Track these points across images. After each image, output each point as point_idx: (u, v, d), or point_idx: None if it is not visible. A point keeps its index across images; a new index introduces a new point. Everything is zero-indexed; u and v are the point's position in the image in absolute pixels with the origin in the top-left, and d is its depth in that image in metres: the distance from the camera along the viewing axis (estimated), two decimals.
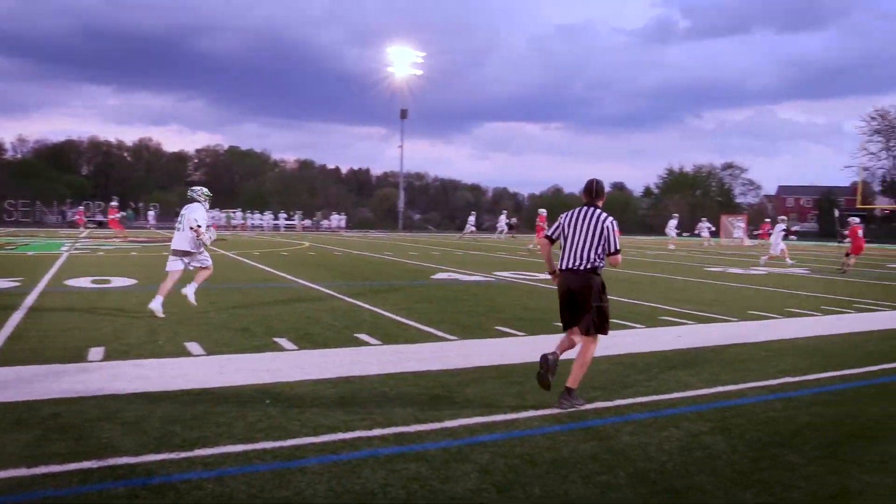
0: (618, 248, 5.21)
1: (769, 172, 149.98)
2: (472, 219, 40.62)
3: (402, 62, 59.74)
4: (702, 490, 3.70)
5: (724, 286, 14.22)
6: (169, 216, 45.04)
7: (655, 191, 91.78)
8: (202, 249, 8.93)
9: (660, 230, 46.23)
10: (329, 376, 5.72)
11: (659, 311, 10.05)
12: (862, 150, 69.64)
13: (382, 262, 18.91)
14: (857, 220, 23.69)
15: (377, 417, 4.69)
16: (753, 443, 4.44)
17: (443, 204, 79.33)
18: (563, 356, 5.40)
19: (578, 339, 5.27)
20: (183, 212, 8.90)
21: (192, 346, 6.70)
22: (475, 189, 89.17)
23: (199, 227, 8.66)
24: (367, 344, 7.10)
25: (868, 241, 24.34)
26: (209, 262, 9.01)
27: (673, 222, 37.20)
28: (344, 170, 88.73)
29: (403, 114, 62.09)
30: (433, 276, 14.78)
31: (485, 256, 23.17)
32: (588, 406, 5.12)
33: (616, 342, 7.63)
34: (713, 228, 39.26)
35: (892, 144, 76.20)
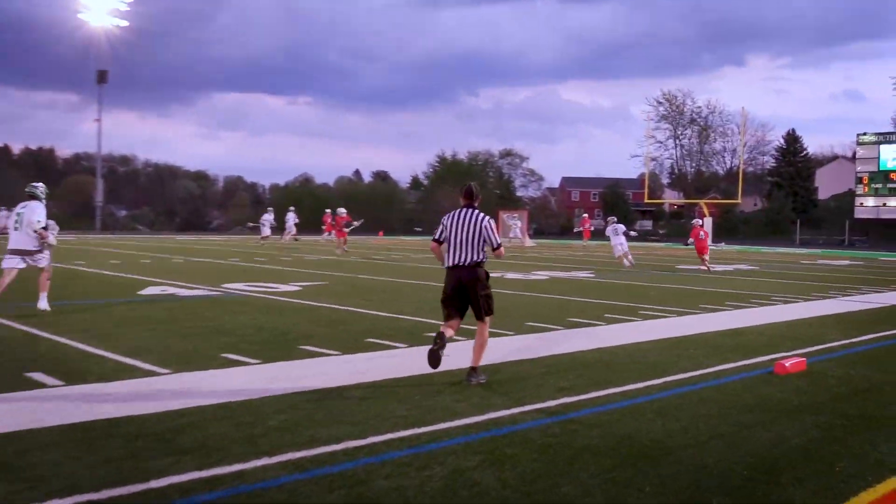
0: (499, 242, 7.46)
1: (552, 161, 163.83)
2: (291, 215, 40.83)
3: (98, 7, 55.75)
4: None
5: (501, 294, 15.27)
6: None
7: (425, 182, 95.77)
8: (44, 249, 10.41)
9: (428, 230, 48.39)
10: None
11: (423, 327, 10.51)
12: (649, 138, 78.28)
13: (71, 274, 18.25)
14: (699, 221, 27.66)
15: (55, 484, 4.37)
16: (527, 475, 4.77)
17: (158, 196, 75.57)
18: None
19: (453, 332, 7.32)
20: (20, 210, 10.13)
21: None
22: (201, 178, 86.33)
23: (43, 228, 10.07)
24: (42, 386, 6.68)
25: (656, 241, 27.66)
26: (48, 263, 10.49)
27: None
28: (16, 149, 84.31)
29: (101, 77, 58.11)
30: (141, 292, 14.58)
31: (217, 266, 22.67)
32: (336, 447, 5.19)
33: (374, 364, 7.81)
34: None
35: (679, 132, 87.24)
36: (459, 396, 6.69)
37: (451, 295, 7.31)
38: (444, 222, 7.45)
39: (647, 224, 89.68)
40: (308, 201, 58.62)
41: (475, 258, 7.30)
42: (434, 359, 7.06)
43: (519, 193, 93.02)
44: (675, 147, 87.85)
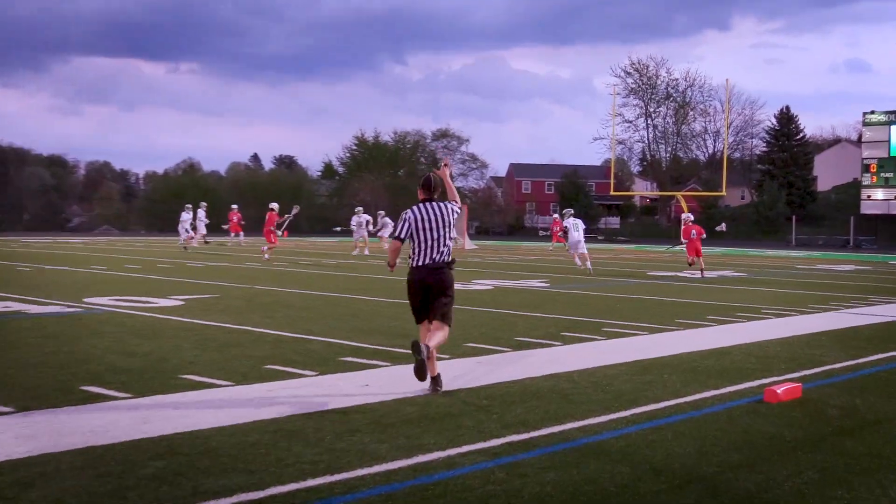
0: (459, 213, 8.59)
1: (499, 144, 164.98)
2: (201, 213, 41.36)
3: None
4: None
5: None
6: None
7: (340, 169, 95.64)
8: None
9: (343, 225, 48.43)
10: None
11: (337, 350, 10.57)
12: (616, 117, 79.01)
13: None
14: (689, 217, 27.69)
15: None
16: None
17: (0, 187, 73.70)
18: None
19: (432, 326, 8.32)
20: None
21: None
22: (57, 164, 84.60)
23: None
24: None
25: (625, 241, 28.22)
26: None
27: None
28: None
29: None
30: None
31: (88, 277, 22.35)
32: (227, 501, 5.13)
33: (276, 397, 7.77)
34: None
35: (652, 110, 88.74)
36: (382, 436, 6.67)
37: (417, 298, 8.39)
38: (409, 219, 8.37)
39: (616, 220, 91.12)
40: (193, 194, 57.92)
41: (446, 258, 8.38)
42: (423, 370, 7.83)
43: (457, 184, 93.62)
44: (647, 128, 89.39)
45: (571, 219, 29.41)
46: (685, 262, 27.02)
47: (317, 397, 7.95)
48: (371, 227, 39.28)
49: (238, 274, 23.70)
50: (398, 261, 8.82)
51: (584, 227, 29.06)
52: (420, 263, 8.32)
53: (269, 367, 9.36)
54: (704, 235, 26.82)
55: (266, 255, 31.23)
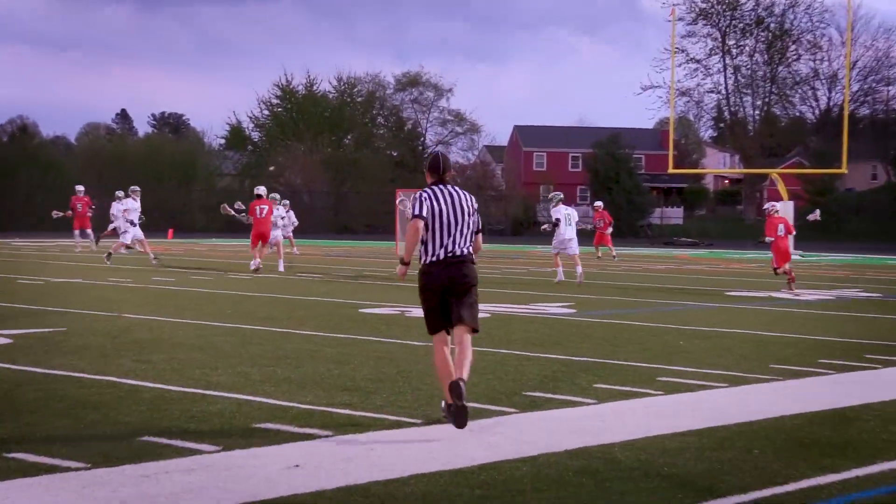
0: (479, 227, 10.34)
1: (498, 98, 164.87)
2: (130, 202, 40.53)
3: None
4: None
5: (401, 348, 15.56)
6: None
7: (255, 135, 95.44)
8: None
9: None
10: None
11: (250, 412, 10.50)
12: (678, 54, 78.46)
13: None
14: (775, 206, 27.58)
15: None
16: None
17: None
18: None
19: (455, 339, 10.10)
20: None
21: None
22: None
23: None
24: None
25: (691, 245, 28.10)
26: None
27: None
28: None
29: None
30: None
31: None
32: None
33: (157, 490, 7.73)
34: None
35: (733, 43, 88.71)
36: None
37: (437, 302, 10.10)
38: (427, 202, 10.04)
39: (677, 212, 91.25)
40: (28, 171, 57.61)
41: (469, 249, 10.20)
42: (465, 417, 9.46)
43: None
44: (725, 71, 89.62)
45: (562, 207, 29.65)
46: (782, 278, 27.05)
47: (218, 487, 7.88)
48: (285, 223, 39.24)
49: (97, 295, 23.55)
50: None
51: (577, 218, 29.56)
52: (439, 257, 10.01)
53: (145, 439, 9.29)
54: (794, 233, 26.91)
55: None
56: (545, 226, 33.54)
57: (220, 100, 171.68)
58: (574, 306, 22.91)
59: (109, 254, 35.85)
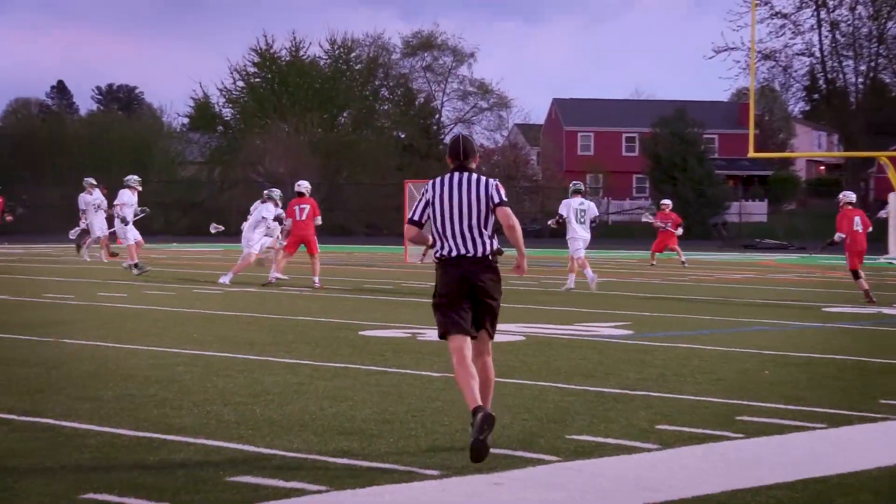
0: (499, 200, 10.88)
1: (530, 66, 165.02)
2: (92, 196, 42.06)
3: None
4: None
5: (405, 378, 15.58)
6: None
7: (226, 112, 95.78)
8: None
9: (235, 221, 48.67)
10: None
11: (230, 463, 10.54)
12: (760, 7, 78.36)
13: None
14: (850, 196, 27.65)
15: None
16: None
17: None
18: None
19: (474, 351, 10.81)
20: None
21: None
22: None
23: None
24: None
25: (779, 248, 27.96)
26: None
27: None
28: None
29: None
30: None
31: None
32: None
33: None
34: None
35: None
36: None
37: (456, 294, 10.71)
38: (428, 195, 10.82)
39: (760, 207, 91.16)
40: None
41: (486, 248, 10.75)
42: (484, 452, 10.04)
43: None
44: (819, 28, 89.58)
45: (579, 199, 29.74)
46: (893, 289, 27.06)
47: None
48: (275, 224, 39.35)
49: (27, 316, 23.63)
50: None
51: (595, 214, 29.54)
52: (451, 254, 10.73)
53: (88, 497, 9.27)
54: (871, 228, 26.94)
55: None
56: (549, 221, 33.83)
57: (182, 69, 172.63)
58: (630, 326, 22.91)
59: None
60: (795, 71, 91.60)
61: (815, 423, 12.96)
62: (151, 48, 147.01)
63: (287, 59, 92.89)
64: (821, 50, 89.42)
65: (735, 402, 14.19)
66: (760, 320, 24.70)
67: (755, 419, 13.04)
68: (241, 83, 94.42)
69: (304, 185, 35.84)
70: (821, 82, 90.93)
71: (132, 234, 37.22)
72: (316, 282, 33.59)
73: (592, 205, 30.88)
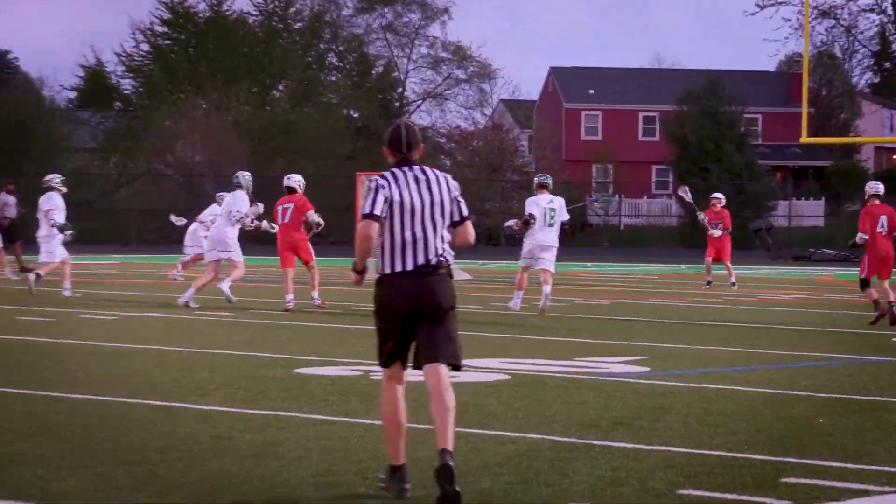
0: (467, 214, 11.45)
1: (519, 25, 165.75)
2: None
3: None
4: None
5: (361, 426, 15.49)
6: None
7: (127, 86, 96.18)
8: None
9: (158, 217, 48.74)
10: None
11: None
12: None
13: None
14: (878, 188, 27.71)
15: None
16: None
17: None
18: None
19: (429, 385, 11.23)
20: None
21: None
22: None
23: None
24: None
25: (840, 260, 28.07)
26: None
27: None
28: None
29: None
30: None
31: None
32: None
33: None
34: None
35: None
36: None
37: (397, 328, 11.18)
38: (385, 191, 11.07)
39: (815, 207, 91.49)
40: None
41: (443, 254, 11.18)
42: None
43: (422, 118, 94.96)
44: None
45: (543, 196, 29.85)
46: None
47: None
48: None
49: None
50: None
51: (566, 217, 29.69)
52: (400, 268, 10.99)
53: None
54: None
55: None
56: (511, 222, 34.03)
57: (68, 29, 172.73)
58: (646, 361, 22.94)
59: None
60: (861, 32, 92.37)
61: (881, 485, 12.98)
62: (29, 2, 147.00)
63: (206, 14, 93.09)
64: (894, 5, 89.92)
65: (780, 459, 14.21)
66: (813, 353, 24.79)
67: (806, 481, 13.04)
68: (145, 46, 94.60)
69: (294, 180, 36.46)
70: (894, 47, 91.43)
71: (60, 251, 37.66)
72: (316, 298, 34.31)
73: (562, 202, 30.83)
